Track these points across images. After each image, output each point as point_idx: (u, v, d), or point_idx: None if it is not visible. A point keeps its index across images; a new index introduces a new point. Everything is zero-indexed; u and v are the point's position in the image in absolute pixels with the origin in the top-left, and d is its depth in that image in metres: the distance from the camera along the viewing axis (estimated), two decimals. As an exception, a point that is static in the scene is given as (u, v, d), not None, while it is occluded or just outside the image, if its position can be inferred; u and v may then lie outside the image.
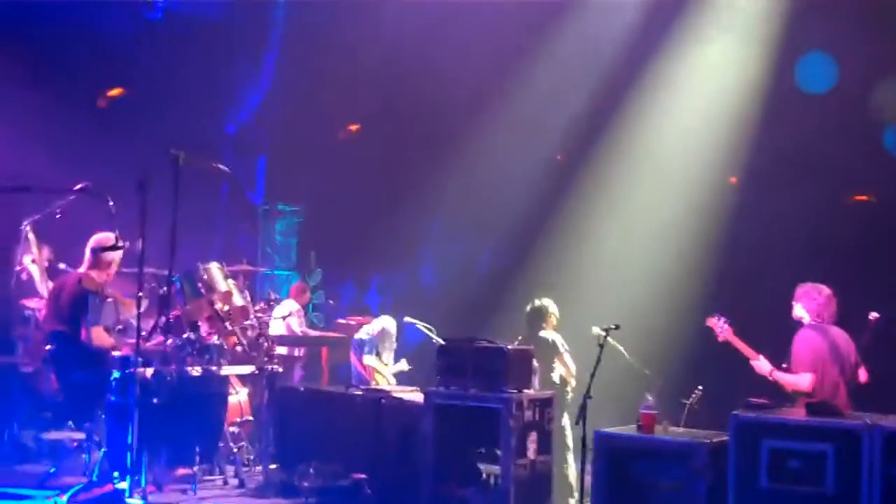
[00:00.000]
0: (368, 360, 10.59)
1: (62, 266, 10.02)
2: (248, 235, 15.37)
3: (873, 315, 8.05)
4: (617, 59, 12.74)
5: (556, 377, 9.78)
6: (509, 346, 8.14)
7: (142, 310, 7.88)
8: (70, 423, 8.95)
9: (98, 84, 12.99)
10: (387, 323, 10.91)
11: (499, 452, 7.81)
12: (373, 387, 9.93)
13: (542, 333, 9.94)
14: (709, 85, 12.55)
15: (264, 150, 15.52)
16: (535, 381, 8.57)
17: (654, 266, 12.66)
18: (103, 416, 8.45)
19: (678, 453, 6.92)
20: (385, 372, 10.62)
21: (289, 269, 15.65)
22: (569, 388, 9.82)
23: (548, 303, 10.13)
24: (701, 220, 12.45)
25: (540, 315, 10.05)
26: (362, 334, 10.84)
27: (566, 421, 9.82)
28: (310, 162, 14.49)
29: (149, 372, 8.08)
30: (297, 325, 12.76)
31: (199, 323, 9.15)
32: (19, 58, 11.63)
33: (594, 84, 12.92)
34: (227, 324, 9.02)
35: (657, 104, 12.81)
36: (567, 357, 9.84)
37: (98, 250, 8.85)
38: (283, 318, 12.09)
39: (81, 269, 9.04)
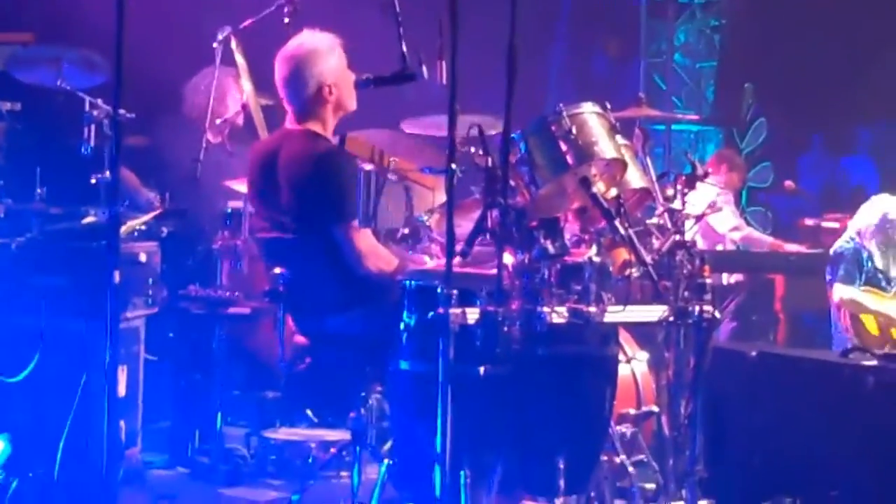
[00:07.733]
0: (844, 291, 7.59)
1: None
2: (616, 53, 11.34)
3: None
4: None
5: None
6: None
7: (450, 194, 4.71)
8: (310, 412, 5.84)
9: None
10: (888, 207, 7.54)
11: None
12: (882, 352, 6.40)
13: None
14: None
15: None
16: None
17: None
18: (380, 401, 5.65)
19: None
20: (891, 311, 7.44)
21: (702, 117, 11.49)
22: None
23: None
24: None
25: None
26: (841, 242, 7.73)
27: None
28: None
29: (469, 316, 5.16)
30: (727, 226, 9.08)
31: (563, 221, 5.76)
32: None
33: None
34: (617, 223, 5.53)
35: None
36: None
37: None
38: (697, 216, 8.26)
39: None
